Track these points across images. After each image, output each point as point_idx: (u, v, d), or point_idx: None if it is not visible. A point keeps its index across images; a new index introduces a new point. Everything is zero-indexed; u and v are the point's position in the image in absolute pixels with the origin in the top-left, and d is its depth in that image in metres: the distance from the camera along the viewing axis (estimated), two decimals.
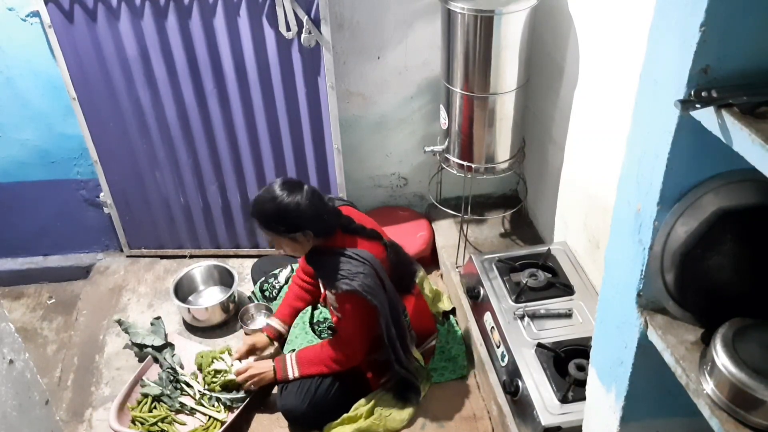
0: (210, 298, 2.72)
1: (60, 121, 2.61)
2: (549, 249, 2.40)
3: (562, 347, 2.01)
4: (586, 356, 1.57)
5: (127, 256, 3.00)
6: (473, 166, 2.45)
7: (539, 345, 2.01)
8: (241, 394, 2.23)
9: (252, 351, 2.30)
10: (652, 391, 1.20)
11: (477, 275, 2.34)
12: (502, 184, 2.99)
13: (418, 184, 2.99)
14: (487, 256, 2.41)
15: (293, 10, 2.28)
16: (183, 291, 2.69)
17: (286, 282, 2.55)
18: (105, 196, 2.80)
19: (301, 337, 2.32)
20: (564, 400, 1.86)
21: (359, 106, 2.71)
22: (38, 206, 2.85)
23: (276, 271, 2.59)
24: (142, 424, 2.18)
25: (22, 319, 2.79)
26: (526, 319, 2.12)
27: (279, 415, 2.21)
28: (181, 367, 2.37)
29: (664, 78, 0.93)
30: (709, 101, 0.84)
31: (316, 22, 2.32)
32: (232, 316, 2.63)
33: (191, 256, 2.96)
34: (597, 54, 2.05)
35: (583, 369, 1.91)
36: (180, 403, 2.25)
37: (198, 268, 2.76)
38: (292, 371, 2.14)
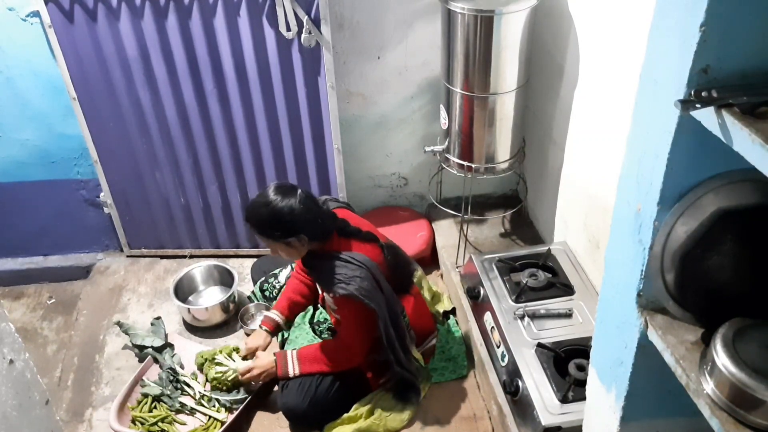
0: (210, 298, 2.72)
1: (60, 121, 2.61)
2: (549, 249, 2.40)
3: (562, 347, 2.01)
4: (586, 356, 1.57)
5: (127, 256, 3.00)
6: (473, 166, 2.45)
7: (539, 345, 2.01)
8: (242, 395, 2.23)
9: (254, 353, 2.30)
10: (652, 391, 1.20)
11: (477, 275, 2.34)
12: (502, 184, 2.99)
13: (419, 184, 2.99)
14: (487, 256, 2.41)
15: (293, 10, 2.28)
16: (183, 291, 2.69)
17: (286, 282, 2.55)
18: (105, 196, 2.80)
19: (302, 337, 2.32)
20: (564, 400, 1.86)
21: (359, 106, 2.71)
22: (38, 206, 2.85)
23: (276, 271, 2.59)
24: (142, 424, 2.18)
25: (23, 319, 2.80)
26: (526, 319, 2.12)
27: (279, 414, 2.21)
28: (181, 367, 2.37)
29: (664, 78, 0.93)
30: (709, 101, 0.84)
31: (316, 22, 2.32)
32: (232, 316, 2.63)
33: (191, 256, 2.97)
34: (597, 54, 2.05)
35: (583, 369, 1.91)
36: (180, 403, 2.25)
37: (198, 268, 2.76)
38: (293, 368, 2.14)
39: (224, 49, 2.41)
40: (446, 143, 2.49)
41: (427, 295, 2.50)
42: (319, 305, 2.42)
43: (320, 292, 2.33)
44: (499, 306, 2.19)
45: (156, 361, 2.39)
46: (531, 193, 2.80)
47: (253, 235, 2.89)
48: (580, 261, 2.34)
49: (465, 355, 2.38)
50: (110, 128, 2.60)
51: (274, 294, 2.56)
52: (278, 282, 2.56)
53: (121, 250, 3.01)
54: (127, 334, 2.52)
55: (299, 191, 1.97)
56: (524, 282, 2.24)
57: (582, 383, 1.80)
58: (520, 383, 1.95)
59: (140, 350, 2.45)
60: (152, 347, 2.42)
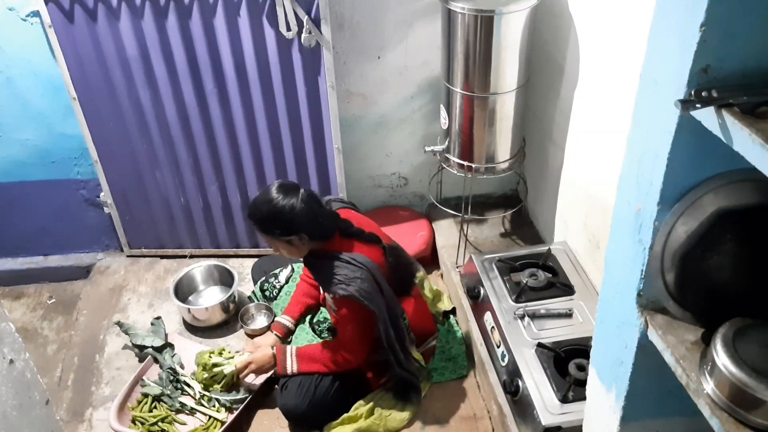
0: (210, 298, 2.72)
1: (60, 121, 2.61)
2: (549, 249, 2.40)
3: (563, 347, 2.01)
4: (587, 356, 1.57)
5: (128, 256, 3.00)
6: (473, 165, 2.45)
7: (539, 345, 2.01)
8: (241, 395, 2.23)
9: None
10: (652, 391, 1.20)
11: (477, 275, 2.34)
12: (503, 184, 2.99)
13: (419, 184, 2.99)
14: (487, 256, 2.41)
15: (293, 9, 2.28)
16: (183, 291, 2.69)
17: (287, 282, 2.55)
18: (105, 195, 2.80)
19: (302, 336, 2.32)
20: (564, 399, 1.86)
21: (359, 105, 2.71)
22: (38, 206, 2.85)
23: (276, 271, 2.60)
24: (142, 423, 2.18)
25: (23, 318, 2.80)
26: (527, 318, 2.12)
27: (279, 414, 2.21)
28: (182, 367, 2.37)
29: (664, 78, 0.93)
30: (710, 101, 0.84)
31: (316, 22, 2.32)
32: (233, 316, 2.63)
33: (191, 256, 2.97)
34: (597, 54, 2.05)
35: (583, 369, 1.91)
36: (180, 403, 2.25)
37: (198, 268, 2.76)
38: (291, 365, 2.14)
39: (224, 49, 2.41)
40: (446, 143, 2.49)
41: (428, 294, 2.50)
42: (319, 304, 2.42)
43: (322, 292, 2.33)
44: (499, 306, 2.19)
45: (156, 361, 2.39)
46: (531, 193, 2.80)
47: (254, 235, 2.90)
48: (580, 261, 2.34)
49: (465, 355, 2.38)
50: (110, 128, 2.60)
51: (275, 294, 2.56)
52: (278, 282, 2.56)
53: (121, 250, 3.01)
54: (127, 334, 2.52)
55: (302, 190, 1.98)
56: (524, 282, 2.24)
57: (582, 383, 1.80)
58: (520, 383, 1.95)
59: (140, 350, 2.45)
60: (152, 347, 2.42)
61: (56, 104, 2.56)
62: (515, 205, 2.85)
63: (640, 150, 1.03)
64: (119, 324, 2.56)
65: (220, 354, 2.24)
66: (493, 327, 2.18)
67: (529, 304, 2.18)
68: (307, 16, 2.30)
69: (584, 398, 1.47)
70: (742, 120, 0.80)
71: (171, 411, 2.23)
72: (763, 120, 0.80)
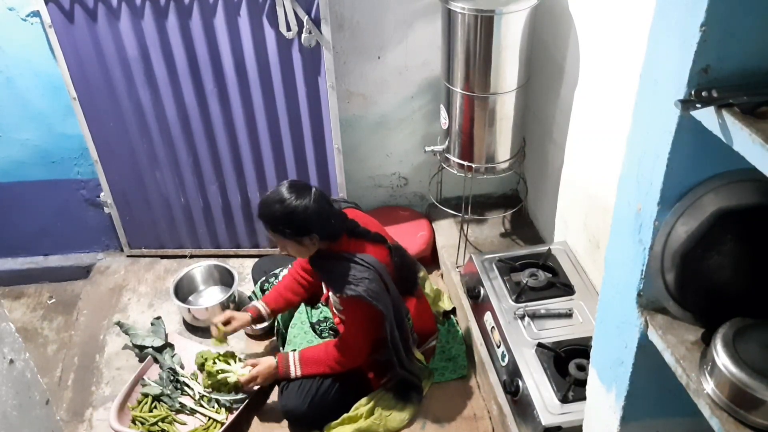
0: (210, 298, 2.72)
1: (60, 121, 2.61)
2: (549, 249, 2.40)
3: (563, 347, 2.01)
4: (587, 356, 1.57)
5: (128, 256, 3.00)
6: (473, 165, 2.45)
7: (539, 345, 2.01)
8: (241, 395, 2.22)
9: (228, 321, 2.27)
10: (652, 391, 1.20)
11: (477, 275, 2.34)
12: (503, 184, 2.99)
13: (419, 184, 2.99)
14: (487, 256, 2.41)
15: (293, 9, 2.28)
16: (183, 291, 2.69)
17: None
18: (105, 195, 2.80)
19: (301, 336, 2.32)
20: (564, 399, 1.86)
21: (359, 105, 2.71)
22: (38, 206, 2.85)
23: (276, 271, 2.59)
24: (142, 423, 2.18)
25: (23, 318, 2.80)
26: (527, 318, 2.12)
27: (279, 415, 2.21)
28: (182, 367, 2.37)
29: (665, 78, 0.93)
30: (710, 101, 0.84)
31: (316, 22, 2.32)
32: None
33: (191, 256, 2.97)
34: (597, 54, 2.05)
35: (583, 369, 1.91)
36: (180, 403, 2.25)
37: (198, 268, 2.76)
38: (294, 370, 2.14)
39: (224, 49, 2.41)
40: (446, 143, 2.49)
41: (429, 293, 2.49)
42: (320, 304, 2.42)
43: (325, 291, 2.33)
44: (499, 306, 2.19)
45: (156, 361, 2.39)
46: (531, 193, 2.80)
47: (254, 235, 2.90)
48: (580, 261, 2.34)
49: (465, 355, 2.38)
50: (110, 128, 2.60)
51: None
52: (278, 282, 2.56)
53: (122, 250, 3.01)
54: (127, 334, 2.52)
55: (314, 190, 1.97)
56: (524, 282, 2.24)
57: (582, 383, 1.80)
58: (520, 383, 1.95)
59: (140, 350, 2.45)
60: (152, 347, 2.42)
61: (56, 104, 2.56)
62: (515, 205, 2.85)
63: (640, 150, 1.03)
64: (119, 324, 2.56)
65: (227, 362, 2.25)
66: (493, 327, 2.18)
67: (529, 304, 2.18)
68: (307, 16, 2.30)
69: (584, 398, 1.47)
70: (742, 120, 0.80)
71: (171, 411, 2.23)
72: (763, 120, 0.80)
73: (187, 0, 2.31)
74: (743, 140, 0.80)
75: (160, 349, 2.41)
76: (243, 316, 2.29)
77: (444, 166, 2.60)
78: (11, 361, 1.32)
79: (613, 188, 1.14)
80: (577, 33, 2.16)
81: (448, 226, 2.86)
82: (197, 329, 2.61)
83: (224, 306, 2.57)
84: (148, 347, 2.42)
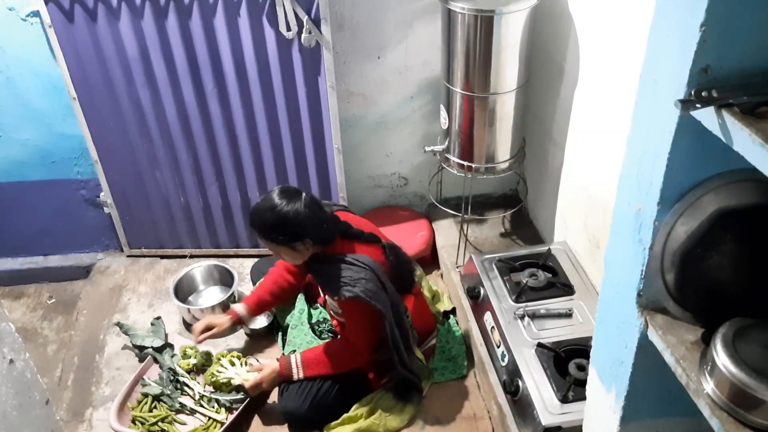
0: (210, 298, 2.72)
1: (60, 121, 2.61)
2: (549, 249, 2.40)
3: (563, 347, 2.01)
4: (587, 356, 1.57)
5: (128, 256, 3.00)
6: (473, 165, 2.45)
7: (539, 345, 2.01)
8: (241, 395, 2.22)
9: (209, 328, 2.28)
10: (652, 391, 1.20)
11: (477, 275, 2.34)
12: (502, 184, 2.99)
13: (419, 184, 2.99)
14: (487, 256, 2.41)
15: (293, 9, 2.28)
16: (183, 291, 2.69)
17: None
18: (105, 195, 2.80)
19: (300, 337, 2.32)
20: (564, 399, 1.86)
21: (359, 106, 2.71)
22: (38, 206, 2.85)
23: None
24: (142, 424, 2.18)
25: (23, 318, 2.80)
26: (527, 318, 2.12)
27: (279, 415, 2.21)
28: (181, 367, 2.37)
29: (664, 78, 0.93)
30: (710, 101, 0.84)
31: (316, 22, 2.32)
32: None
33: (191, 256, 2.97)
34: (597, 54, 2.05)
35: (583, 369, 1.91)
36: (180, 403, 2.25)
37: (198, 268, 2.76)
38: (297, 372, 2.14)
39: (224, 49, 2.41)
40: (446, 143, 2.49)
41: (427, 294, 2.50)
42: (318, 305, 2.42)
43: (322, 294, 2.33)
44: (499, 306, 2.19)
45: (156, 361, 2.39)
46: (531, 193, 2.80)
47: (254, 236, 2.90)
48: (580, 261, 2.34)
49: (465, 355, 2.38)
50: (110, 128, 2.60)
51: None
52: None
53: (121, 250, 3.01)
54: (126, 334, 2.52)
55: (304, 195, 1.96)
56: (524, 282, 2.24)
57: (582, 383, 1.80)
58: (520, 383, 1.95)
59: (140, 350, 2.45)
60: (152, 347, 2.41)
61: (56, 104, 2.56)
62: (515, 205, 2.85)
63: (640, 150, 1.03)
64: (119, 325, 2.56)
65: (231, 362, 2.25)
66: (493, 327, 2.18)
67: (529, 304, 2.18)
68: (307, 16, 2.30)
69: (584, 398, 1.47)
70: (742, 120, 0.80)
71: (171, 411, 2.23)
72: (763, 120, 0.80)
73: (187, 0, 2.31)
74: (743, 140, 0.80)
75: (159, 350, 2.41)
76: (222, 322, 2.28)
77: (444, 166, 2.60)
78: (11, 361, 1.32)
79: (613, 188, 1.14)
80: (577, 33, 2.16)
81: (448, 226, 2.86)
82: None
83: (224, 306, 2.57)
84: (147, 347, 2.42)
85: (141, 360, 2.43)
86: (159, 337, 2.46)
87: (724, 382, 0.93)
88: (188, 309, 2.57)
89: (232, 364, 2.27)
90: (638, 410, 1.24)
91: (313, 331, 2.34)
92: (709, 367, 0.97)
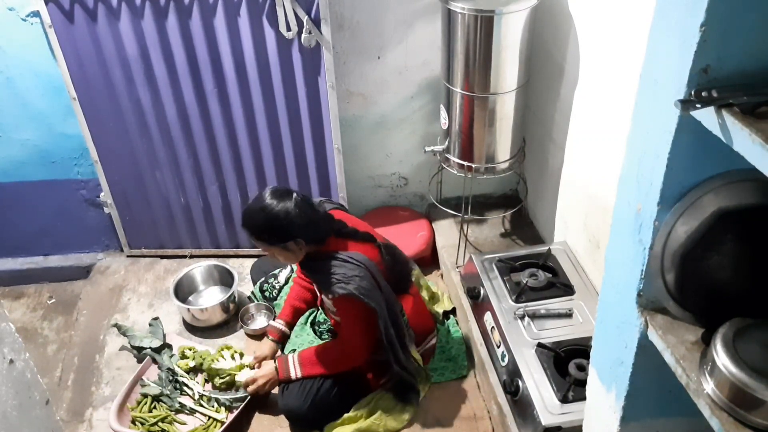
0: (210, 298, 2.72)
1: (60, 121, 2.61)
2: (549, 249, 2.40)
3: (563, 347, 2.01)
4: (587, 356, 1.57)
5: (128, 256, 3.00)
6: (473, 166, 2.45)
7: (539, 345, 2.01)
8: (241, 394, 2.23)
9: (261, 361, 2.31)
10: (652, 391, 1.20)
11: (477, 275, 2.34)
12: (503, 184, 2.99)
13: (419, 184, 2.99)
14: (487, 256, 2.41)
15: (293, 10, 2.28)
16: (183, 291, 2.69)
17: (286, 282, 2.55)
18: (105, 196, 2.80)
19: (302, 337, 2.32)
20: (564, 400, 1.86)
21: (359, 106, 2.71)
22: (38, 206, 2.85)
23: (276, 271, 2.59)
24: (142, 424, 2.18)
25: (23, 319, 2.80)
26: (527, 319, 2.12)
27: (279, 414, 2.21)
28: (180, 367, 2.36)
29: (664, 78, 0.93)
30: (710, 101, 0.84)
31: (316, 22, 2.32)
32: (232, 316, 2.63)
33: (191, 256, 2.97)
34: (597, 54, 2.05)
35: (583, 369, 1.91)
36: (180, 403, 2.25)
37: (198, 268, 2.76)
38: (295, 371, 2.14)
39: (224, 49, 2.41)
40: (446, 143, 2.49)
41: (425, 294, 2.50)
42: (315, 307, 2.42)
43: (319, 294, 2.33)
44: (499, 306, 2.19)
45: (155, 361, 2.39)
46: (531, 193, 2.80)
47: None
48: (580, 261, 2.34)
49: (465, 355, 2.38)
50: (110, 128, 2.60)
51: (274, 294, 2.56)
52: (278, 282, 2.56)
53: (121, 250, 3.01)
54: (125, 335, 2.52)
55: (294, 195, 1.96)
56: (524, 282, 2.24)
57: (582, 383, 1.80)
58: (520, 383, 1.95)
59: (138, 351, 2.45)
60: (150, 348, 2.41)
61: (56, 104, 2.56)
62: (515, 205, 2.85)
63: (640, 150, 1.03)
64: (117, 326, 2.56)
65: (232, 357, 2.26)
66: (493, 327, 2.18)
67: (529, 304, 2.18)
68: (307, 16, 2.30)
69: (584, 398, 1.47)
70: (742, 120, 0.80)
71: (170, 411, 2.23)
72: (763, 120, 0.80)
73: (187, 0, 2.31)
74: (743, 140, 0.80)
75: (158, 350, 2.41)
76: (270, 349, 2.32)
77: (444, 166, 2.60)
78: (11, 361, 1.32)
79: (613, 188, 1.14)
80: (577, 33, 2.16)
81: (448, 226, 2.86)
82: (197, 329, 2.61)
83: (224, 306, 2.57)
84: (146, 348, 2.42)
85: (140, 360, 2.43)
86: (157, 337, 2.46)
87: (724, 382, 0.93)
88: (188, 309, 2.56)
89: (233, 358, 2.27)
90: (638, 410, 1.24)
91: (314, 331, 2.34)
92: (709, 367, 0.97)
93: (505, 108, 2.33)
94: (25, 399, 1.37)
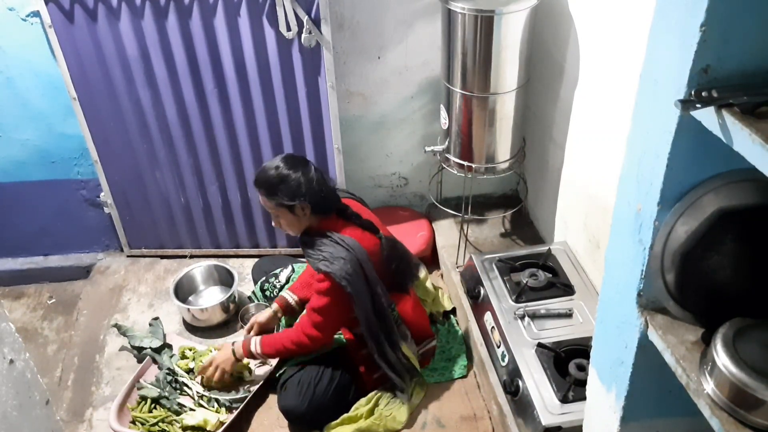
0: (210, 298, 2.72)
1: (60, 121, 2.61)
2: (549, 249, 2.40)
3: (563, 347, 2.01)
4: (587, 356, 1.57)
5: (128, 256, 3.00)
6: (473, 166, 2.45)
7: (539, 345, 2.01)
8: (241, 394, 2.23)
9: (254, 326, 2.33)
10: (652, 391, 1.20)
11: (477, 275, 2.34)
12: (503, 184, 2.99)
13: (419, 184, 2.99)
14: (487, 256, 2.41)
15: (293, 10, 2.28)
16: (183, 291, 2.69)
17: (287, 282, 2.55)
18: (105, 195, 2.80)
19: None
20: (564, 400, 1.86)
21: (359, 106, 2.71)
22: (38, 206, 2.85)
23: (277, 271, 2.59)
24: (142, 424, 2.18)
25: (23, 319, 2.79)
26: (527, 319, 2.12)
27: (279, 414, 2.21)
28: (180, 367, 2.36)
29: (665, 78, 0.93)
30: (710, 101, 0.84)
31: (316, 22, 2.32)
32: (233, 316, 2.63)
33: (191, 256, 2.97)
34: (597, 54, 2.05)
35: (583, 369, 1.91)
36: (179, 403, 2.24)
37: (198, 268, 2.76)
38: (255, 347, 2.17)
39: (224, 49, 2.41)
40: (446, 143, 2.49)
41: (424, 296, 2.49)
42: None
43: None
44: (499, 306, 2.19)
45: (155, 361, 2.39)
46: (531, 193, 2.80)
47: (253, 235, 2.90)
48: (581, 261, 2.34)
49: (465, 355, 2.38)
50: (110, 128, 2.60)
51: (275, 294, 2.56)
52: (279, 282, 2.56)
53: (122, 250, 3.01)
54: (125, 335, 2.52)
55: (311, 163, 2.07)
56: (524, 282, 2.24)
57: (582, 383, 1.80)
58: (520, 383, 1.95)
59: (138, 351, 2.45)
60: (150, 348, 2.41)
61: (56, 104, 2.56)
62: (515, 205, 2.85)
63: (640, 150, 1.03)
64: (117, 326, 2.56)
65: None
66: (493, 327, 2.18)
67: (529, 304, 2.18)
68: (307, 16, 2.30)
69: (584, 398, 1.47)
70: (742, 120, 0.80)
71: (170, 412, 2.23)
72: (763, 120, 0.80)
73: (187, 0, 2.31)
74: (743, 140, 0.80)
75: (158, 350, 2.41)
76: (268, 315, 2.34)
77: (444, 166, 2.60)
78: (11, 361, 1.32)
79: (613, 188, 1.14)
80: (577, 33, 2.16)
81: (448, 226, 2.86)
82: (197, 329, 2.61)
83: (224, 306, 2.57)
84: (146, 348, 2.42)
85: (140, 361, 2.43)
86: (157, 337, 2.46)
87: (724, 382, 0.93)
88: (188, 309, 2.56)
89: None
90: (638, 410, 1.24)
91: None
92: (709, 367, 0.97)
93: (505, 108, 2.33)
94: (25, 399, 1.37)
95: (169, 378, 2.30)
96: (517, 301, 2.19)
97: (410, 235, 2.80)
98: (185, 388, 2.28)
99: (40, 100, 2.55)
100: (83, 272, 2.96)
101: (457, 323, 2.48)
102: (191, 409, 2.22)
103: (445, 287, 2.70)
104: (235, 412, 2.18)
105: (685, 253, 1.02)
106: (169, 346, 2.43)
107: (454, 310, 2.54)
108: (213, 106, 2.55)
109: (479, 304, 2.31)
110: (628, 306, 1.14)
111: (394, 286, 2.17)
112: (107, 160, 2.69)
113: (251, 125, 2.59)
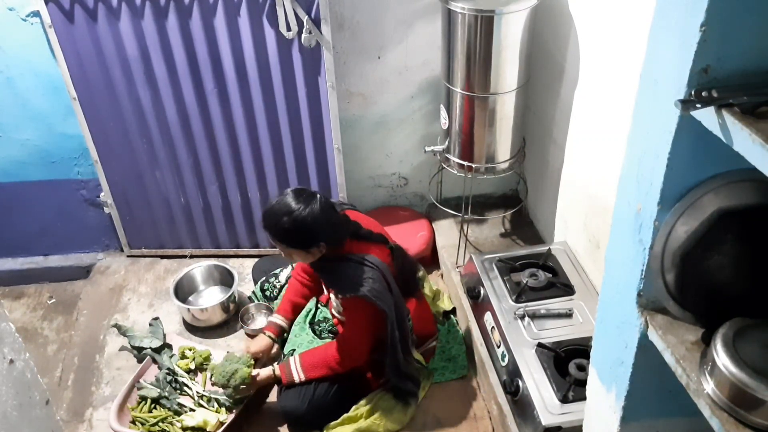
0: (210, 298, 2.72)
1: (60, 121, 2.61)
2: (549, 249, 2.40)
3: (563, 347, 2.01)
4: (587, 356, 1.57)
5: (128, 256, 3.00)
6: (474, 165, 2.45)
7: (539, 345, 2.01)
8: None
9: (256, 358, 2.28)
10: (652, 391, 1.20)
11: (477, 275, 2.34)
12: (503, 184, 2.99)
13: (419, 184, 2.99)
14: (487, 256, 2.41)
15: (293, 9, 2.28)
16: (183, 291, 2.69)
17: (287, 282, 2.55)
18: (105, 195, 2.80)
19: (301, 336, 2.31)
20: (564, 400, 1.86)
21: (359, 106, 2.71)
22: (38, 206, 2.85)
23: (277, 271, 2.59)
24: (142, 424, 2.18)
25: (23, 319, 2.79)
26: (527, 319, 2.12)
27: (279, 415, 2.21)
28: (180, 367, 2.36)
29: (665, 78, 0.93)
30: (710, 101, 0.84)
31: (316, 22, 2.32)
32: (233, 316, 2.63)
33: (191, 256, 2.96)
34: (597, 54, 2.05)
35: (583, 369, 1.91)
36: (179, 404, 2.24)
37: (198, 268, 2.76)
38: (298, 375, 2.14)
39: (224, 49, 2.41)
40: (446, 143, 2.49)
41: (428, 293, 2.49)
42: (319, 305, 2.42)
43: (326, 292, 2.33)
44: (499, 306, 2.19)
45: (155, 361, 2.38)
46: (531, 193, 2.80)
47: (254, 235, 2.90)
48: (581, 261, 2.34)
49: (465, 355, 2.38)
50: (110, 128, 2.60)
51: (275, 294, 2.56)
52: (279, 282, 2.56)
53: (122, 250, 3.01)
54: (125, 335, 2.52)
55: (318, 196, 1.97)
56: (524, 282, 2.24)
57: (582, 383, 1.80)
58: (520, 383, 1.95)
59: (138, 351, 2.45)
60: (150, 348, 2.41)
61: (56, 104, 2.56)
62: (515, 205, 2.85)
63: (640, 150, 1.03)
64: (117, 326, 2.56)
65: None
66: (493, 327, 2.18)
67: (529, 304, 2.18)
68: (307, 16, 2.30)
69: (584, 398, 1.47)
70: (742, 120, 0.80)
71: (170, 413, 2.22)
72: (763, 120, 0.80)
73: (187, 0, 2.31)
74: (743, 140, 0.80)
75: (158, 350, 2.41)
76: (265, 344, 2.30)
77: (444, 166, 2.60)
78: (11, 361, 1.32)
79: (613, 188, 1.14)
80: (577, 33, 2.16)
81: (448, 226, 2.86)
82: (197, 329, 2.61)
83: (224, 306, 2.57)
84: (146, 348, 2.42)
85: (140, 361, 2.43)
86: (157, 337, 2.46)
87: (724, 382, 0.93)
88: (188, 309, 2.56)
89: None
90: (638, 410, 1.24)
91: (313, 331, 2.33)
92: (709, 367, 0.97)
93: (505, 108, 2.33)
94: (25, 399, 1.37)
95: (169, 378, 2.30)
96: (517, 301, 2.19)
97: (410, 235, 2.80)
98: (185, 388, 2.28)
99: (40, 100, 2.55)
100: (83, 272, 2.96)
101: (457, 323, 2.48)
102: (191, 410, 2.21)
103: (445, 287, 2.70)
104: (235, 412, 2.18)
105: (685, 253, 1.02)
106: (169, 346, 2.43)
107: (454, 310, 2.54)
108: (213, 106, 2.55)
109: (479, 304, 2.31)
110: (628, 306, 1.14)
111: (402, 291, 2.16)
112: (107, 160, 2.69)
113: (251, 125, 2.59)
